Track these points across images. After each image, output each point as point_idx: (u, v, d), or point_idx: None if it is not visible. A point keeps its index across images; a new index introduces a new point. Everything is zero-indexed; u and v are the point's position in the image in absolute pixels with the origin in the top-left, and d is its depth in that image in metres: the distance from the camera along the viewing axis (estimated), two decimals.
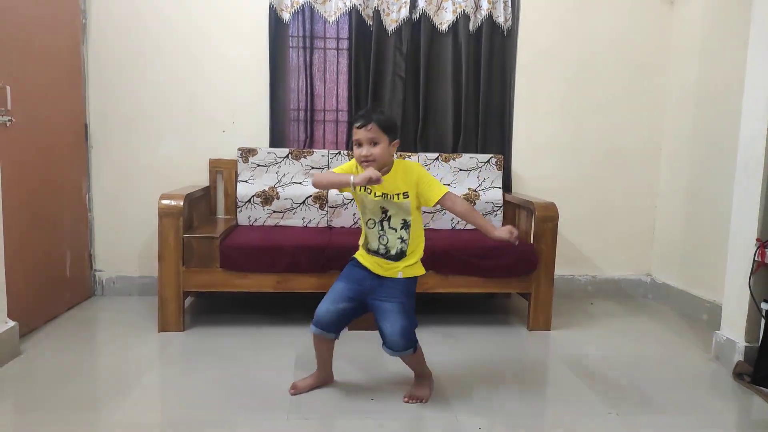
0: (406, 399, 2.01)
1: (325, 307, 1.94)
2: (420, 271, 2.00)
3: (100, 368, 2.30)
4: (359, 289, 1.95)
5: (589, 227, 3.48)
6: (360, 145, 1.88)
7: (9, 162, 2.29)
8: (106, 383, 2.14)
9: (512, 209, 3.20)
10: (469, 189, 3.17)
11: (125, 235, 3.21)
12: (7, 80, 2.30)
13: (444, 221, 3.15)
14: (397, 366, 2.32)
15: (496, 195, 3.18)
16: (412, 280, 1.98)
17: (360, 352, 2.43)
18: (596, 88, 3.40)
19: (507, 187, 3.32)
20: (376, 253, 1.96)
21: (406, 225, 1.94)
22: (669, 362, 2.48)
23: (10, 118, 2.32)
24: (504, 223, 3.20)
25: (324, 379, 2.10)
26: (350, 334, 2.62)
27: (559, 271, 3.24)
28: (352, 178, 1.84)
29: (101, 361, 2.37)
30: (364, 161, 1.87)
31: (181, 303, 2.62)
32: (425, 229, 2.89)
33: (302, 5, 3.15)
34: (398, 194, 1.91)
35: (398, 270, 1.94)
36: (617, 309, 3.26)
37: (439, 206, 1.94)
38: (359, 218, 2.11)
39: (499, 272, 2.73)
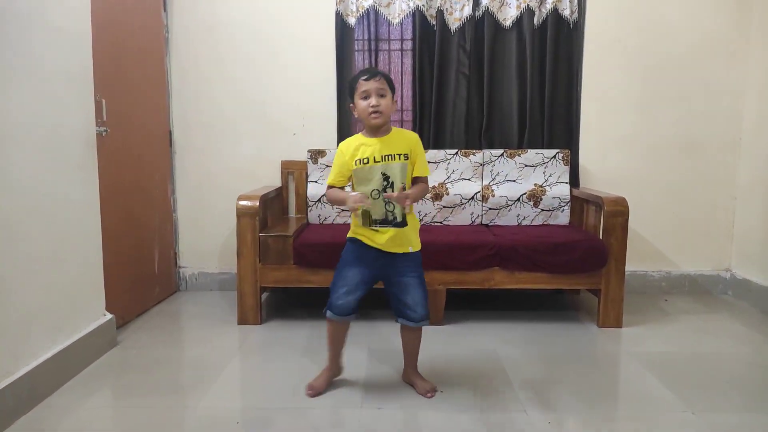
0: (429, 395, 2.03)
1: (343, 298, 1.97)
2: (419, 244, 2.02)
3: (186, 358, 2.48)
4: (370, 272, 1.98)
5: (663, 221, 3.37)
6: (367, 97, 1.90)
7: (105, 168, 2.51)
8: (192, 371, 2.31)
9: (580, 204, 3.16)
10: (535, 185, 3.16)
11: (206, 234, 3.43)
12: (103, 93, 2.52)
13: (510, 217, 3.15)
14: (463, 360, 2.36)
15: (563, 190, 3.15)
16: (418, 252, 2.02)
17: (428, 344, 2.49)
18: (669, 79, 3.28)
19: (575, 182, 3.28)
20: (384, 222, 1.93)
21: (404, 190, 1.91)
22: (748, 360, 2.38)
23: (106, 128, 2.54)
24: (572, 220, 3.16)
25: (336, 372, 2.13)
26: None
27: (630, 266, 3.16)
28: (348, 203, 1.88)
29: (187, 352, 2.56)
30: (373, 112, 1.89)
31: (258, 297, 2.78)
32: (491, 226, 2.92)
33: (367, 9, 3.24)
34: (399, 155, 1.92)
35: (409, 245, 1.97)
36: (694, 306, 3.14)
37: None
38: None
39: (567, 268, 2.71)
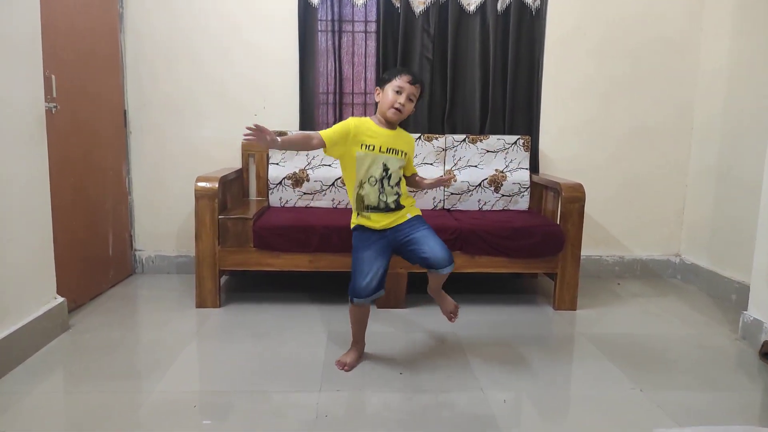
0: (452, 315, 2.23)
1: (366, 282, 2.00)
2: (418, 210, 2.17)
3: (142, 341, 2.43)
4: (382, 247, 2.07)
5: (618, 207, 3.47)
6: (400, 92, 2.02)
7: (55, 147, 2.42)
8: (148, 355, 2.26)
9: (539, 190, 3.22)
10: (496, 170, 3.20)
11: (163, 216, 3.35)
12: (53, 69, 2.41)
13: (471, 202, 3.18)
14: (423, 342, 2.40)
15: (524, 176, 3.20)
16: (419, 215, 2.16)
17: (389, 328, 2.51)
18: (625, 67, 3.36)
19: (534, 168, 3.34)
20: (376, 209, 2.06)
21: (399, 182, 2.09)
22: (695, 341, 2.49)
23: (55, 105, 2.44)
24: (531, 205, 3.22)
25: (362, 349, 2.22)
26: (379, 312, 2.70)
27: (586, 251, 3.26)
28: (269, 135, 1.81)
29: (143, 335, 2.51)
30: (397, 108, 2.02)
31: (217, 281, 2.74)
32: (452, 211, 2.99)
33: None
34: (400, 152, 2.08)
35: (407, 212, 2.11)
36: (645, 289, 3.26)
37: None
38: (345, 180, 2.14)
39: (525, 252, 2.76)
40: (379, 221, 2.06)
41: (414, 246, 2.05)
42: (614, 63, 3.36)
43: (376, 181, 2.03)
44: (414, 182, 2.22)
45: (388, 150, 2.04)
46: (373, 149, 2.02)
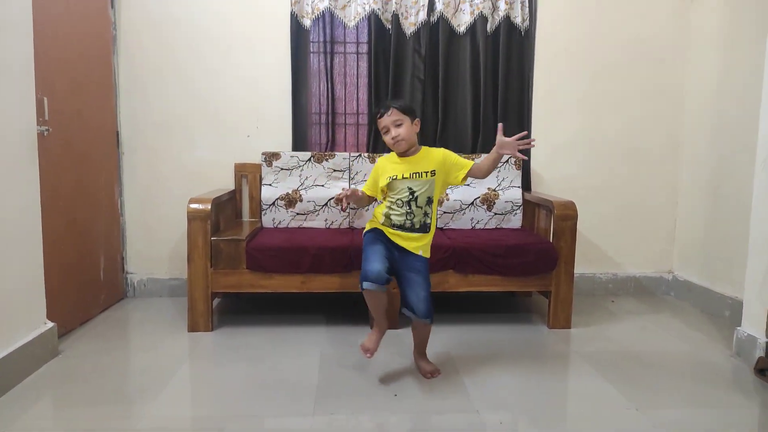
0: (429, 376, 2.22)
1: (377, 266, 2.04)
2: (429, 253, 2.25)
3: (134, 366, 2.40)
4: (391, 255, 2.16)
5: (610, 225, 3.48)
6: (387, 131, 2.16)
7: (47, 170, 2.41)
8: (140, 380, 2.23)
9: (532, 208, 3.23)
10: (488, 189, 3.21)
11: (155, 239, 3.33)
12: (45, 92, 2.41)
13: (464, 221, 3.19)
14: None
15: (516, 194, 3.22)
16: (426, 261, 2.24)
17: (382, 349, 2.49)
18: (615, 86, 3.40)
19: (527, 186, 3.35)
20: (401, 227, 2.17)
21: (430, 201, 2.18)
22: (690, 358, 2.49)
23: (47, 128, 2.43)
24: (524, 223, 3.23)
25: (384, 328, 2.22)
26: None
27: (579, 269, 3.26)
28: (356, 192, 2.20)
29: (135, 360, 2.47)
30: (395, 142, 2.15)
31: (210, 303, 2.72)
32: (445, 229, 3.01)
33: (323, 11, 3.22)
34: (426, 173, 2.16)
35: (419, 248, 2.19)
36: (638, 306, 3.26)
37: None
38: (381, 202, 2.30)
39: (519, 271, 2.76)
40: (400, 236, 2.18)
41: (404, 284, 2.17)
42: (604, 81, 3.40)
43: (403, 204, 2.16)
44: (483, 169, 2.21)
45: (411, 175, 2.15)
46: (396, 177, 2.16)
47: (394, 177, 2.16)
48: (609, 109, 3.42)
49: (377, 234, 2.20)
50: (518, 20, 3.28)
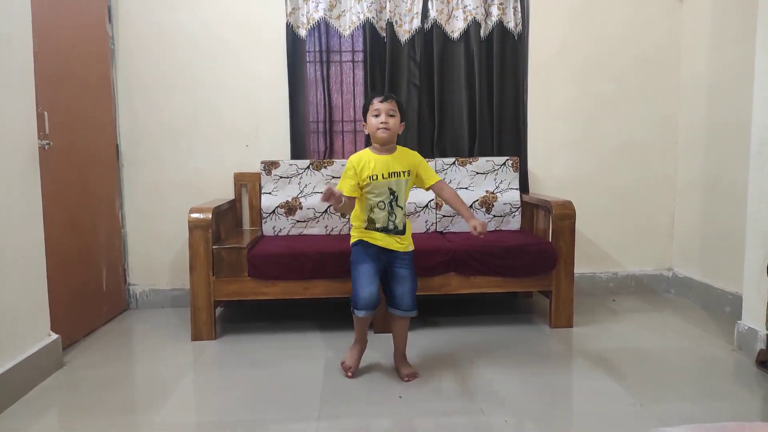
0: (406, 378, 2.21)
1: (368, 291, 2.14)
2: (412, 245, 2.30)
3: (138, 376, 2.41)
4: (379, 265, 2.21)
5: (609, 224, 3.51)
6: (378, 115, 2.15)
7: (48, 183, 2.43)
8: (145, 389, 2.24)
9: (530, 209, 3.25)
10: (486, 191, 3.23)
11: (157, 250, 3.34)
12: (45, 106, 2.44)
13: (463, 224, 3.17)
14: (422, 365, 2.38)
15: (514, 196, 3.24)
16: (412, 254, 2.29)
17: (386, 352, 2.50)
18: (608, 85, 3.44)
19: (524, 188, 3.38)
20: (385, 230, 2.19)
21: (405, 202, 2.23)
22: (692, 354, 2.50)
23: (48, 141, 2.45)
24: (522, 225, 3.25)
25: (365, 346, 2.31)
26: (376, 336, 2.69)
27: (579, 269, 3.28)
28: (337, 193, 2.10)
29: (139, 370, 2.48)
30: (382, 127, 2.14)
31: (213, 312, 2.73)
32: (445, 233, 3.03)
33: (318, 21, 3.26)
34: (402, 172, 2.19)
35: (408, 244, 2.25)
36: (640, 305, 3.27)
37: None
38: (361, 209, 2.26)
39: (519, 271, 2.78)
40: (381, 239, 2.20)
41: (392, 280, 2.22)
42: (597, 82, 3.44)
43: (386, 205, 2.18)
44: (447, 196, 2.25)
45: (390, 174, 2.17)
46: (377, 178, 2.16)
47: (374, 177, 2.16)
48: (604, 109, 3.45)
49: (365, 248, 2.21)
50: (511, 25, 3.32)
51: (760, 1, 2.34)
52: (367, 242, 2.21)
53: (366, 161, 2.19)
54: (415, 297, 2.22)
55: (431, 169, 2.29)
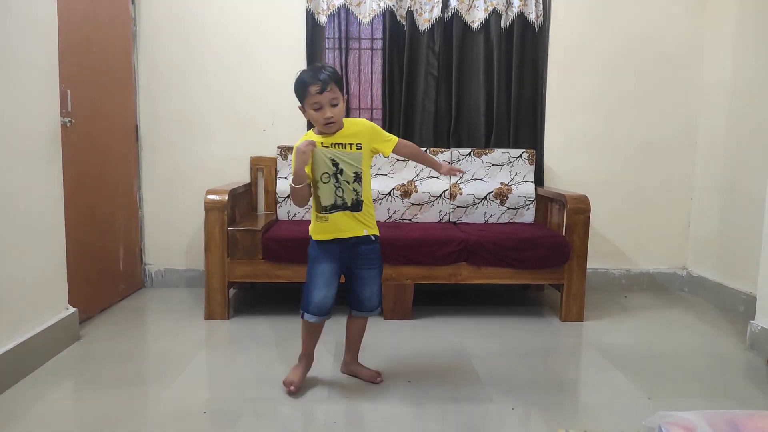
0: (379, 379, 2.10)
1: (322, 295, 1.97)
2: (377, 230, 2.05)
3: (151, 351, 2.46)
4: (340, 265, 2.00)
5: (623, 221, 3.48)
6: (320, 108, 1.87)
7: (69, 161, 2.47)
8: (157, 364, 2.28)
9: (545, 203, 3.24)
10: (501, 183, 3.23)
11: (173, 231, 3.39)
12: (68, 84, 2.48)
13: (477, 215, 3.21)
14: (431, 352, 2.40)
15: (529, 189, 3.23)
16: (378, 241, 2.04)
17: (396, 339, 2.52)
18: (629, 81, 3.41)
19: (539, 181, 3.36)
20: (334, 207, 1.93)
21: (358, 177, 1.94)
22: (703, 351, 2.48)
23: (70, 119, 2.50)
24: (536, 218, 3.25)
25: (311, 362, 2.12)
26: (386, 323, 2.72)
27: (592, 264, 3.26)
28: (290, 180, 1.92)
29: (153, 346, 2.53)
30: (329, 122, 1.88)
31: (226, 292, 2.77)
32: (458, 223, 3.00)
33: (338, 8, 3.27)
34: (350, 144, 1.93)
35: (364, 227, 1.98)
36: (652, 302, 3.26)
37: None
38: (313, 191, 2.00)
39: (531, 264, 2.78)
40: (336, 223, 1.94)
41: (357, 282, 2.03)
42: (618, 78, 3.40)
43: (329, 177, 1.91)
44: (409, 153, 2.14)
45: (333, 145, 1.91)
46: (316, 146, 1.90)
47: (314, 144, 1.90)
48: (623, 104, 3.42)
49: (321, 248, 1.98)
50: (532, 16, 3.30)
51: None
52: (324, 240, 1.96)
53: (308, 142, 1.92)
54: (380, 296, 2.08)
55: (385, 132, 2.05)
